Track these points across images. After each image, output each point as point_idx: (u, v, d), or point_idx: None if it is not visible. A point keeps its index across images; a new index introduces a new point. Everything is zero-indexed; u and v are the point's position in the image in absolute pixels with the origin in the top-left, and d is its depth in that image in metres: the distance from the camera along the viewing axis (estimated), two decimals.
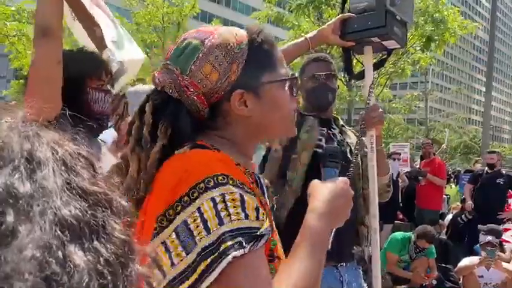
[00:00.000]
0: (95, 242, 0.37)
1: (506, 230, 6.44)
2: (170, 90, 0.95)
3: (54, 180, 0.39)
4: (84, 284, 0.34)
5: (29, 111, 0.46)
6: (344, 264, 2.25)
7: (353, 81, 11.37)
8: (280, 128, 1.02)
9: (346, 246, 2.25)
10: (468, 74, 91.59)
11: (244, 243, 0.79)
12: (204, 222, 0.80)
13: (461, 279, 4.92)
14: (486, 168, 7.00)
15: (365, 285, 2.44)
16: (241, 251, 0.78)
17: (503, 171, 7.09)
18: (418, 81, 50.58)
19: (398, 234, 5.35)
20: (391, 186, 2.42)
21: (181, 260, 0.79)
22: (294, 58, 2.15)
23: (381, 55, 2.32)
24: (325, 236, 0.95)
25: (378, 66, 2.32)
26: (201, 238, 0.79)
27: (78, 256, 0.35)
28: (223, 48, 0.94)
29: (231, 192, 0.82)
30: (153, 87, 0.99)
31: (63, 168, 0.40)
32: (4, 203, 0.35)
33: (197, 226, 0.80)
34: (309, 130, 2.23)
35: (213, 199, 0.81)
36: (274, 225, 0.98)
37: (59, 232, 0.35)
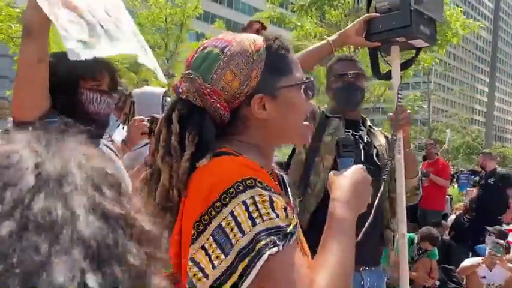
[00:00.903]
0: (114, 266, 0.37)
1: (510, 230, 6.45)
2: (194, 99, 0.98)
3: (83, 201, 0.38)
4: None
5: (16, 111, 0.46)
6: (367, 268, 2.18)
7: None
8: (297, 129, 1.06)
9: (370, 250, 2.18)
10: (471, 74, 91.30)
11: (277, 241, 0.84)
12: (238, 224, 0.85)
13: (464, 280, 4.93)
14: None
15: None
16: (275, 249, 0.83)
17: (498, 170, 7.07)
18: (421, 81, 50.46)
19: (409, 235, 5.35)
20: (420, 189, 2.34)
21: (221, 262, 0.84)
22: (316, 62, 2.11)
23: (410, 54, 2.25)
24: (352, 222, 0.99)
25: (405, 66, 2.26)
26: (237, 240, 0.84)
27: (93, 280, 0.35)
28: (242, 55, 0.98)
29: (260, 195, 0.87)
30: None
31: (90, 187, 0.40)
32: (40, 230, 0.35)
33: (232, 229, 0.85)
34: (332, 133, 2.18)
35: (244, 202, 0.86)
36: (298, 223, 1.02)
37: (82, 257, 0.35)
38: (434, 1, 2.03)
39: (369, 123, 2.40)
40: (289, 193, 1.08)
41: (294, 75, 1.04)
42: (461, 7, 13.75)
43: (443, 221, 7.18)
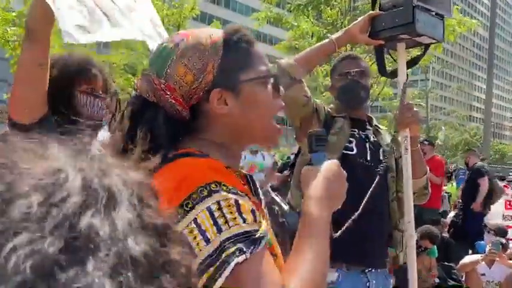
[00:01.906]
0: (162, 278, 0.36)
1: (509, 227, 6.46)
2: (147, 95, 0.96)
3: (129, 218, 0.37)
4: None
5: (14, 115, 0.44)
6: (373, 269, 2.14)
7: None
8: (263, 127, 1.00)
9: (377, 251, 2.16)
10: (469, 71, 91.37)
11: (244, 249, 0.79)
12: (202, 232, 0.80)
13: (463, 277, 4.93)
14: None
15: None
16: (242, 257, 0.79)
17: (478, 165, 7.06)
18: (419, 79, 50.51)
19: None
20: (429, 188, 2.29)
21: None
22: (320, 61, 2.08)
23: (418, 50, 2.21)
24: (326, 221, 0.94)
25: (412, 63, 2.22)
26: (200, 249, 0.79)
27: None
28: (196, 49, 0.94)
29: (226, 199, 0.82)
30: None
31: (136, 202, 0.38)
32: (85, 249, 0.33)
33: (195, 237, 0.80)
34: (337, 132, 2.15)
35: (208, 208, 0.81)
36: (268, 224, 0.98)
37: (130, 273, 0.34)
38: None
39: (375, 122, 2.38)
40: (260, 193, 1.03)
41: (257, 69, 0.98)
42: (457, 5, 13.76)
43: (442, 219, 7.19)
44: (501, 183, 7.15)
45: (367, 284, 2.13)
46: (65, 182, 0.36)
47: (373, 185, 1.98)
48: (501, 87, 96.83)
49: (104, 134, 2.20)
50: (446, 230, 6.95)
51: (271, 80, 1.01)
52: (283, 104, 1.05)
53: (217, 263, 0.78)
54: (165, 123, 0.94)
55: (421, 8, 1.89)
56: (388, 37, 1.98)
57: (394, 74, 2.18)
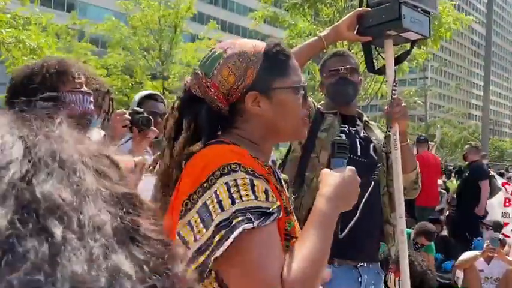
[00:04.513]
0: (132, 247, 0.35)
1: (506, 224, 6.44)
2: (194, 90, 1.12)
3: (88, 185, 0.35)
4: None
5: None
6: (365, 264, 2.16)
7: None
8: (290, 130, 1.16)
9: (368, 245, 2.18)
10: (467, 69, 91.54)
11: (253, 219, 0.93)
12: (219, 202, 0.95)
13: (461, 274, 4.91)
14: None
15: None
16: (250, 225, 0.92)
17: (475, 163, 7.06)
18: (417, 77, 50.57)
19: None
20: (419, 182, 2.31)
21: (202, 236, 0.94)
22: (308, 58, 2.10)
23: (407, 46, 2.23)
24: (333, 217, 1.06)
25: (399, 60, 2.23)
26: (216, 215, 0.94)
27: (126, 265, 0.33)
28: (241, 55, 1.10)
29: (242, 178, 0.97)
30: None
31: (93, 171, 0.37)
32: (49, 214, 0.31)
33: (214, 206, 0.95)
34: (327, 129, 2.18)
35: (226, 183, 0.96)
36: (291, 209, 1.13)
37: (100, 242, 0.33)
38: None
39: (365, 118, 2.39)
40: (283, 183, 1.18)
41: (290, 79, 1.13)
42: (453, 1, 13.75)
43: (441, 217, 7.18)
44: (500, 180, 7.08)
45: (359, 279, 2.14)
46: (4, 149, 0.34)
47: (366, 196, 2.04)
48: (499, 84, 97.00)
49: (95, 132, 2.19)
50: (444, 227, 6.94)
51: (302, 91, 1.15)
52: (308, 114, 1.21)
53: (229, 227, 0.92)
54: (207, 116, 1.11)
55: (408, 4, 1.91)
56: (375, 33, 2.00)
57: (381, 71, 2.19)
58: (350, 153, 2.20)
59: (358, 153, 2.18)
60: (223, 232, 0.92)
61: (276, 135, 1.16)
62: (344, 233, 2.01)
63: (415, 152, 7.36)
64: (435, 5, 2.07)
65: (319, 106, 2.30)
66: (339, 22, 2.06)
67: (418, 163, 2.31)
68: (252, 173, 0.99)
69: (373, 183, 2.13)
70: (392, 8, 1.89)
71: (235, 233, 0.91)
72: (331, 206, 1.05)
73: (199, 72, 1.12)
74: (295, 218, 1.14)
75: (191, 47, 19.43)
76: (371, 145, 2.23)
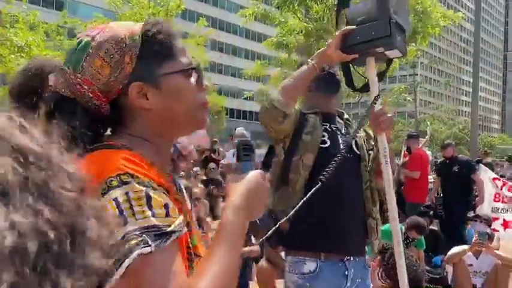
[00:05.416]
0: (31, 202, 0.35)
1: (495, 219, 6.51)
2: (62, 90, 0.93)
3: None
4: (23, 244, 0.33)
5: None
6: (351, 258, 2.19)
7: None
8: (188, 120, 0.99)
9: (354, 239, 2.21)
10: (456, 66, 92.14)
11: (149, 242, 0.78)
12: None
13: (451, 268, 4.95)
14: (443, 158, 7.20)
15: (371, 285, 2.38)
16: (147, 249, 0.77)
17: (460, 157, 7.09)
18: (407, 74, 50.81)
19: (389, 225, 5.37)
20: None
21: None
22: (305, 86, 2.14)
23: (382, 65, 2.23)
24: (241, 228, 0.94)
25: (379, 77, 2.18)
26: None
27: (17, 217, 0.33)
28: (113, 41, 0.92)
29: (136, 191, 0.81)
30: None
31: None
32: None
33: None
34: (311, 131, 2.22)
35: (115, 199, 0.79)
36: (194, 225, 0.98)
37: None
38: (403, 11, 1.99)
39: (346, 116, 2.45)
40: (186, 197, 1.03)
41: (178, 62, 0.96)
42: None
43: (431, 212, 7.23)
44: (491, 175, 7.17)
45: (346, 272, 2.17)
46: None
47: (351, 190, 2.11)
48: (488, 80, 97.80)
49: None
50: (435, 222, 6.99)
51: (195, 73, 0.99)
52: (207, 99, 1.03)
53: (120, 253, 0.75)
54: (84, 118, 0.91)
55: (395, 22, 1.89)
56: (361, 51, 1.95)
57: (364, 88, 2.17)
58: (334, 149, 2.24)
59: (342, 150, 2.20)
60: (115, 257, 0.78)
61: (172, 128, 0.99)
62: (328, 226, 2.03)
63: (405, 148, 7.44)
64: (408, 22, 2.05)
65: (297, 107, 2.31)
66: (325, 47, 2.04)
67: (395, 166, 2.34)
68: (148, 184, 0.83)
69: (356, 178, 2.20)
70: (382, 25, 1.86)
71: (129, 261, 0.76)
72: (238, 214, 0.93)
73: (66, 68, 0.93)
74: (198, 231, 1.00)
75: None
76: (353, 141, 2.27)
